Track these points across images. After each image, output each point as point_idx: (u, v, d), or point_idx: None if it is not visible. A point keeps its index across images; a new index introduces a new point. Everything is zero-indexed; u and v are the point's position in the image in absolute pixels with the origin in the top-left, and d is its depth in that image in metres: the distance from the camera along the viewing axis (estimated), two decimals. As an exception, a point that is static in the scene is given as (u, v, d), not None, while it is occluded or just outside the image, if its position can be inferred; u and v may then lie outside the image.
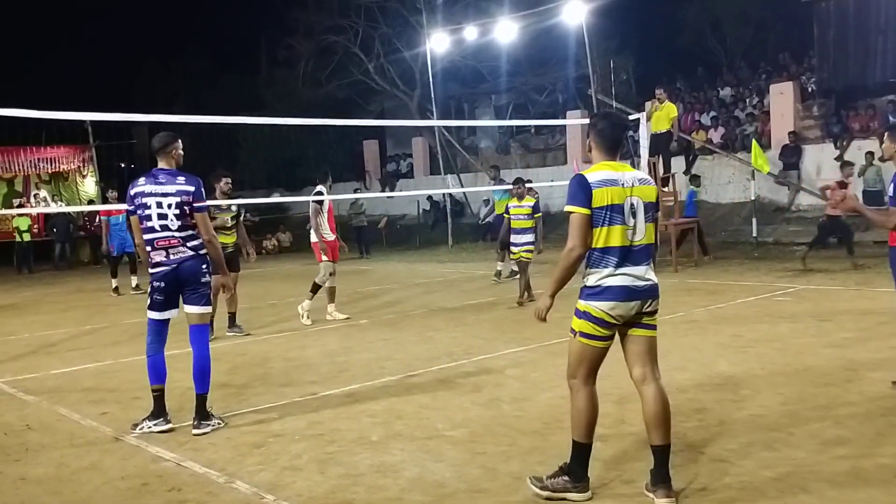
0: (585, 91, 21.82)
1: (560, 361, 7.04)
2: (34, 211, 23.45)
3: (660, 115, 14.55)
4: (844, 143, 17.07)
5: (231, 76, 34.75)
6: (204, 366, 5.47)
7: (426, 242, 23.26)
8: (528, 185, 11.81)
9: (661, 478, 3.85)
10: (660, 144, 14.62)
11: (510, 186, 12.49)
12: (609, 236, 3.83)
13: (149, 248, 5.45)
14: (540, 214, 11.50)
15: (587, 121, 15.08)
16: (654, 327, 4.02)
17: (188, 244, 5.43)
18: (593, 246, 3.87)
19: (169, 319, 5.64)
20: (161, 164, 5.58)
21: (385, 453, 4.83)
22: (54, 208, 23.55)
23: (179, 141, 5.69)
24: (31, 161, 24.30)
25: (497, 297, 11.74)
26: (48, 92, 26.40)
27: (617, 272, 3.85)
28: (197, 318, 5.54)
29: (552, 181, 21.59)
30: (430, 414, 5.59)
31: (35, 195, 23.98)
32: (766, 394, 5.69)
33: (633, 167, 4.23)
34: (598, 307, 3.88)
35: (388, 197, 26.93)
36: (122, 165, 29.85)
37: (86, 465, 4.89)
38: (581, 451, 3.99)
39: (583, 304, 3.94)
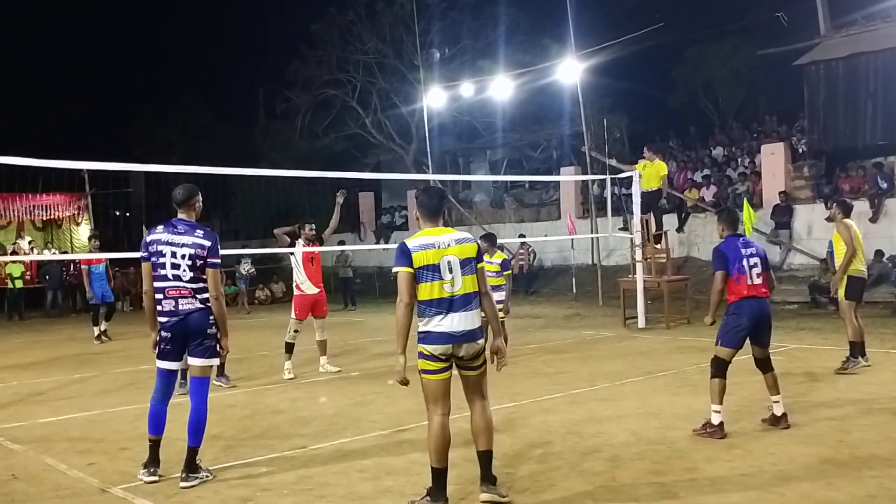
0: (579, 148, 22.07)
1: (552, 418, 7.06)
2: (28, 258, 23.41)
3: (650, 173, 14.71)
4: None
5: (228, 126, 35.11)
6: (200, 419, 5.43)
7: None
8: (522, 239, 11.73)
9: (486, 478, 4.74)
10: (651, 202, 14.75)
11: None
12: (430, 290, 4.61)
13: (159, 296, 5.46)
14: (510, 272, 10.94)
15: (582, 177, 15.31)
16: (477, 367, 4.78)
17: (198, 296, 5.45)
18: (419, 299, 4.63)
19: (177, 371, 5.65)
20: (181, 215, 5.61)
21: (374, 509, 4.78)
22: (47, 255, 23.52)
23: (200, 194, 5.73)
24: (25, 208, 24.35)
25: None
26: (45, 139, 26.60)
27: (438, 320, 4.61)
28: (199, 371, 5.53)
29: (546, 236, 21.76)
30: (421, 469, 5.53)
31: (30, 242, 23.96)
32: (757, 454, 5.67)
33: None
34: (426, 348, 4.65)
35: (382, 249, 26.99)
36: (118, 213, 29.93)
37: (71, 516, 4.83)
38: (436, 475, 4.64)
39: (419, 347, 4.68)
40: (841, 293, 9.09)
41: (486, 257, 10.99)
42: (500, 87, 21.82)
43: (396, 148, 28.34)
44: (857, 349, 8.89)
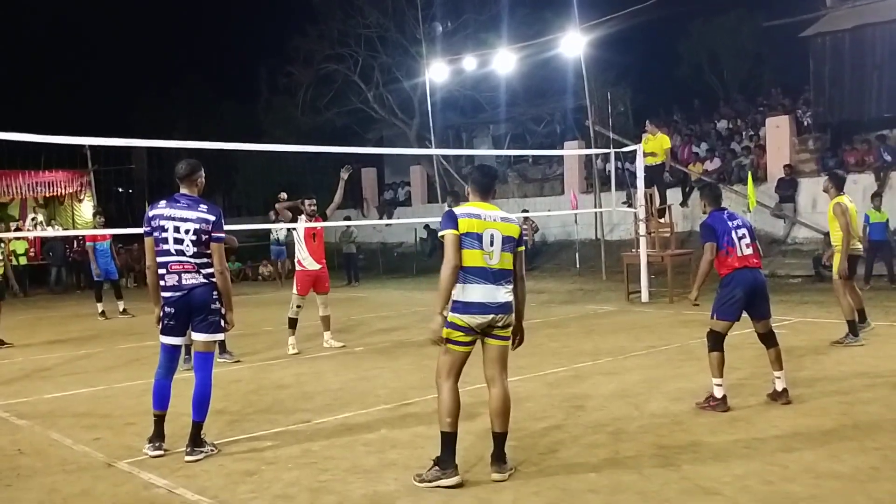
0: (583, 122, 21.97)
1: (556, 392, 7.08)
2: (31, 234, 23.43)
3: (653, 147, 14.63)
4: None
5: (230, 103, 34.98)
6: (204, 393, 5.45)
7: (423, 270, 23.26)
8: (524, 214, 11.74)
9: (497, 457, 4.78)
10: (654, 176, 14.69)
11: None
12: (472, 257, 4.69)
13: (162, 271, 5.44)
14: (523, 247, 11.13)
15: (585, 151, 15.24)
16: (506, 338, 4.86)
17: (202, 271, 5.43)
18: (462, 265, 4.68)
19: (181, 346, 5.67)
20: (183, 190, 5.59)
21: (379, 482, 4.80)
22: (51, 232, 23.55)
23: (203, 169, 5.70)
24: (28, 185, 24.31)
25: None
26: (48, 116, 26.54)
27: (476, 289, 4.68)
28: (203, 346, 5.53)
29: (549, 211, 21.71)
30: (425, 443, 5.56)
31: (33, 219, 23.97)
32: (760, 426, 5.68)
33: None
34: (462, 318, 4.69)
35: (385, 225, 26.98)
36: (121, 190, 29.92)
37: (77, 491, 4.86)
38: (447, 440, 4.68)
39: (451, 317, 4.71)
40: (835, 270, 9.06)
41: None
42: (503, 61, 21.65)
43: (399, 123, 28.22)
44: (855, 327, 8.86)
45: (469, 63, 22.41)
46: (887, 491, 4.31)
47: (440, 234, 4.79)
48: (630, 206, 16.67)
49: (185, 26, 36.63)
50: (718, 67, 27.29)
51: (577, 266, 19.99)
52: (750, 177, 16.31)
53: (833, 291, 9.43)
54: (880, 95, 17.69)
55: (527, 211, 21.83)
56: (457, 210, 4.81)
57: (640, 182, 14.34)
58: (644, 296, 14.00)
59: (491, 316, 4.69)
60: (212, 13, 35.99)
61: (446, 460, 4.66)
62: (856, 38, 17.87)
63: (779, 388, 6.36)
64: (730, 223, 6.40)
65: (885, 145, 16.96)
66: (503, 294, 4.73)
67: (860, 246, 9.22)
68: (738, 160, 19.93)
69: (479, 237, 4.69)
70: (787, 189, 17.95)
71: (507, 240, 4.77)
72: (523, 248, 4.94)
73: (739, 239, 6.32)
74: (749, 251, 6.34)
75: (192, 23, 36.52)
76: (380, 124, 29.53)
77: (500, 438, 4.81)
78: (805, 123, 19.72)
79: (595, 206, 19.94)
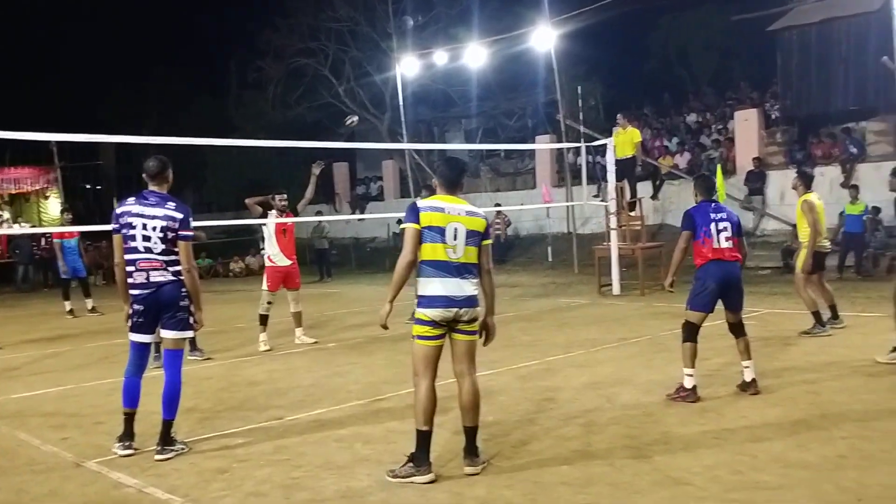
0: (554, 116, 22.03)
1: (528, 385, 7.10)
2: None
3: (624, 141, 14.73)
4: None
5: (201, 98, 34.61)
6: (174, 391, 5.41)
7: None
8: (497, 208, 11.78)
9: (470, 451, 4.81)
10: (625, 170, 14.79)
11: None
12: (433, 251, 4.69)
13: (130, 269, 5.40)
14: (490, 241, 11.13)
15: (556, 145, 15.28)
16: (472, 333, 4.86)
17: (170, 269, 5.40)
18: (421, 259, 4.71)
19: (150, 343, 5.62)
20: (152, 188, 5.53)
21: (351, 478, 4.79)
22: (17, 230, 23.20)
23: (170, 167, 5.64)
24: (-7, 182, 23.96)
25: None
26: (13, 112, 26.09)
27: (438, 283, 4.69)
28: (172, 343, 5.48)
29: (522, 204, 21.77)
30: (398, 438, 5.56)
31: (-2, 216, 23.62)
32: (730, 417, 5.74)
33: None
34: (426, 313, 4.71)
35: (358, 220, 26.90)
36: (88, 187, 29.53)
37: (45, 491, 4.80)
38: (422, 438, 4.68)
39: (417, 313, 4.75)
40: (799, 265, 9.23)
41: None
42: (474, 55, 21.63)
43: (370, 117, 28.09)
44: (820, 317, 9.01)
45: (440, 57, 22.36)
46: (853, 479, 4.38)
47: (401, 226, 4.73)
48: (601, 199, 16.77)
49: (155, 19, 36.17)
50: (688, 61, 27.48)
51: (550, 259, 20.07)
52: (719, 169, 16.47)
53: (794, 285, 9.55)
54: (846, 88, 17.93)
55: (499, 205, 21.87)
56: (420, 203, 4.81)
57: (611, 176, 14.42)
58: (615, 288, 14.10)
59: (455, 309, 4.69)
60: (181, 6, 35.61)
61: (420, 457, 4.66)
62: (822, 32, 18.10)
63: (747, 378, 6.43)
64: (713, 215, 6.43)
65: (850, 138, 17.21)
66: (468, 287, 4.74)
67: (827, 243, 9.36)
68: (707, 153, 20.12)
69: (442, 231, 4.68)
70: (756, 181, 18.14)
71: (471, 234, 4.76)
72: (490, 241, 4.91)
73: (719, 232, 6.36)
74: (727, 244, 6.37)
75: (161, 16, 36.09)
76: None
77: (471, 432, 4.83)
78: (773, 116, 19.94)
79: (567, 200, 20.03)
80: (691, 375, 6.30)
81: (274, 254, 9.87)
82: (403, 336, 10.42)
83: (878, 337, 8.31)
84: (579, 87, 19.65)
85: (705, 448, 5.06)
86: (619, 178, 14.58)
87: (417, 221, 4.70)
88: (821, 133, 18.28)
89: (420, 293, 4.72)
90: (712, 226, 6.37)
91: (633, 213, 15.15)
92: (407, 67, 22.52)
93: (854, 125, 17.63)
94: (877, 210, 15.28)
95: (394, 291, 4.75)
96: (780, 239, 16.94)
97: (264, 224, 10.07)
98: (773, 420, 5.60)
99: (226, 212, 29.38)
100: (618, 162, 14.47)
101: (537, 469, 4.81)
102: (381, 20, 25.85)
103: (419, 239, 4.70)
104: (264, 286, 9.90)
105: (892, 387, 6.43)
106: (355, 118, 10.15)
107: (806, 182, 9.26)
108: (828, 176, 16.88)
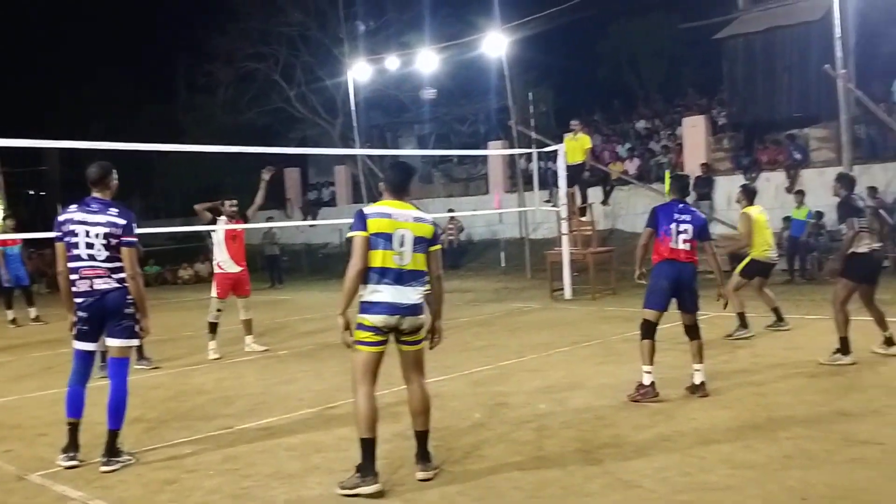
0: (506, 122, 22.15)
1: (481, 390, 7.11)
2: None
3: (574, 147, 14.89)
4: (753, 175, 17.74)
5: (149, 103, 34.07)
6: (120, 400, 5.30)
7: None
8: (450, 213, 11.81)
9: (421, 456, 4.79)
10: (575, 176, 14.93)
11: None
12: (380, 258, 4.60)
13: (74, 277, 5.31)
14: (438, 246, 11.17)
15: (508, 151, 15.37)
16: (417, 342, 4.79)
17: (114, 276, 5.31)
18: (369, 265, 4.61)
19: (95, 352, 5.50)
20: (95, 194, 5.44)
21: (302, 487, 4.74)
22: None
23: (115, 172, 5.55)
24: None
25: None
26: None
27: (383, 289, 4.60)
28: (117, 352, 5.39)
29: (474, 210, 21.83)
30: (350, 445, 5.49)
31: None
32: (680, 419, 5.81)
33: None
34: (368, 318, 4.61)
35: (310, 225, 26.71)
36: (32, 193, 28.85)
37: (-16, 507, 4.66)
38: (365, 447, 4.58)
39: (359, 318, 4.65)
40: (739, 268, 9.57)
41: None
42: (426, 61, 21.67)
43: (322, 122, 27.96)
44: (744, 319, 9.29)
45: (392, 63, 22.36)
46: (798, 479, 4.46)
47: (348, 234, 4.71)
48: (553, 205, 16.90)
49: (102, 23, 35.50)
50: (637, 68, 27.89)
51: (503, 264, 20.15)
52: (667, 175, 16.69)
53: (760, 297, 9.79)
54: (790, 96, 18.35)
55: (452, 210, 21.91)
56: (367, 209, 4.72)
57: (562, 181, 14.55)
58: (567, 293, 14.21)
59: (398, 317, 4.61)
60: (129, 9, 35.00)
61: (366, 467, 4.57)
62: (767, 41, 18.50)
63: (697, 381, 6.53)
64: (677, 215, 6.54)
65: (794, 144, 17.60)
66: (413, 295, 4.66)
67: (771, 254, 9.59)
68: (656, 159, 20.41)
69: (389, 237, 4.61)
70: (704, 187, 18.44)
71: (418, 240, 4.69)
72: (438, 247, 4.86)
73: (679, 233, 6.47)
74: (685, 246, 6.49)
75: (108, 19, 35.43)
76: (303, 124, 29.19)
77: (422, 437, 4.81)
78: (720, 123, 20.31)
79: (519, 206, 20.14)
80: (650, 372, 6.39)
81: (223, 260, 9.73)
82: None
83: (821, 339, 8.50)
84: (530, 94, 19.80)
85: (655, 450, 5.11)
86: (570, 184, 14.72)
87: (365, 228, 4.61)
88: (766, 139, 18.67)
89: (364, 299, 4.65)
90: (673, 226, 6.48)
91: (584, 219, 15.30)
92: (359, 73, 22.47)
93: (798, 131, 18.03)
94: (820, 215, 15.66)
95: (345, 302, 4.65)
96: (727, 243, 17.22)
97: (213, 230, 9.94)
98: (721, 422, 5.69)
99: (174, 218, 28.94)
100: (568, 168, 14.61)
101: (490, 474, 4.81)
102: (332, 25, 25.76)
103: (368, 247, 4.61)
104: (213, 293, 9.77)
105: (835, 387, 6.58)
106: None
107: (748, 197, 9.60)
108: (773, 181, 17.25)
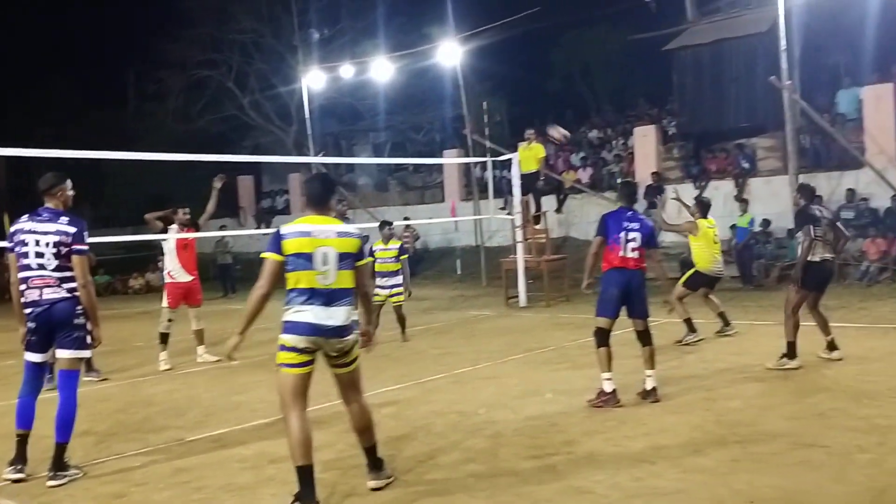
0: (461, 131, 22.24)
1: (436, 398, 7.11)
2: None
3: (528, 156, 15.02)
4: (702, 184, 18.06)
5: (98, 110, 33.46)
6: (68, 414, 5.23)
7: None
8: (406, 223, 11.83)
9: (373, 465, 4.74)
10: (529, 184, 15.06)
11: (357, 226, 12.39)
12: (299, 279, 4.38)
13: (23, 287, 5.25)
14: (406, 256, 11.16)
15: (464, 160, 15.44)
16: (349, 363, 4.57)
17: (64, 285, 5.26)
18: (288, 287, 4.43)
19: (46, 363, 5.44)
20: (47, 204, 5.41)
21: (254, 500, 4.70)
22: None
23: (69, 181, 5.50)
24: None
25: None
26: None
27: (305, 309, 4.38)
28: (67, 364, 5.31)
29: (430, 218, 21.86)
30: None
31: None
32: (631, 425, 5.89)
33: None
34: (289, 339, 4.41)
35: (263, 234, 26.44)
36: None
37: (-76, 524, 4.53)
38: (302, 475, 4.37)
39: (281, 338, 4.45)
40: (682, 279, 9.85)
41: (379, 244, 11.01)
42: (381, 70, 21.67)
43: (276, 130, 27.77)
44: (691, 324, 9.51)
45: (347, 71, 22.33)
46: (746, 482, 4.55)
47: (261, 255, 4.49)
48: (507, 213, 17.00)
49: (50, 28, 34.79)
50: (589, 79, 28.23)
51: (459, 272, 20.20)
52: (620, 184, 16.95)
53: (706, 304, 10.02)
54: (738, 106, 18.70)
55: (408, 218, 21.90)
56: (284, 229, 4.46)
57: (517, 190, 14.66)
58: (522, 300, 14.30)
59: (321, 338, 4.38)
60: (78, 15, 34.35)
61: (306, 495, 4.34)
62: (715, 52, 18.84)
63: (648, 386, 6.62)
64: (626, 223, 6.61)
65: (743, 153, 17.95)
66: (340, 315, 4.42)
67: (714, 268, 9.79)
68: (608, 168, 20.65)
69: (310, 257, 4.36)
70: (655, 195, 18.69)
71: (343, 256, 4.45)
72: (364, 261, 4.64)
73: (627, 241, 6.56)
74: (633, 254, 6.58)
75: (56, 25, 34.74)
76: (256, 132, 28.97)
77: (370, 451, 4.74)
78: (670, 133, 20.64)
79: (474, 214, 20.22)
80: (609, 379, 6.46)
81: (174, 269, 9.63)
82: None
83: (768, 344, 8.68)
84: (485, 103, 19.90)
85: (607, 456, 5.17)
86: (524, 193, 14.84)
87: (280, 251, 4.38)
88: (714, 149, 19.02)
89: (285, 318, 4.42)
90: (622, 234, 6.56)
91: (538, 227, 15.42)
92: (313, 80, 22.39)
93: (745, 141, 18.41)
94: (767, 223, 16.00)
95: (245, 323, 4.47)
96: (678, 250, 17.48)
97: (164, 239, 9.81)
98: (671, 427, 5.77)
99: (125, 227, 28.38)
100: (523, 176, 14.73)
101: (444, 482, 4.82)
102: (286, 33, 25.64)
103: (279, 270, 4.39)
104: (164, 303, 9.64)
105: (781, 392, 6.72)
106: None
107: (703, 210, 9.91)
108: (722, 190, 17.56)
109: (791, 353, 7.57)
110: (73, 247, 5.26)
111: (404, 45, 22.51)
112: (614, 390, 6.43)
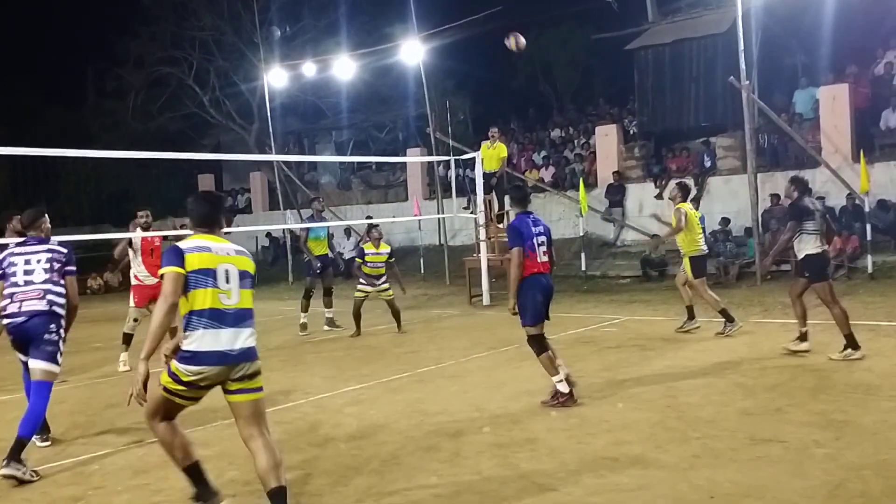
0: (425, 129, 22.23)
1: (399, 398, 7.10)
2: None
3: (491, 155, 15.07)
4: (663, 183, 18.26)
5: (55, 107, 32.84)
6: (36, 416, 5.39)
7: (265, 279, 22.73)
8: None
9: None
10: (492, 183, 15.11)
11: (331, 224, 12.68)
12: (205, 298, 4.03)
13: (7, 301, 5.56)
14: (393, 259, 11.70)
15: (427, 158, 15.46)
16: (256, 390, 4.15)
17: (48, 296, 5.56)
18: (191, 309, 4.03)
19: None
20: (31, 234, 5.85)
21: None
22: None
23: (46, 215, 5.95)
24: None
25: (338, 335, 11.64)
26: None
27: (210, 335, 4.00)
28: (40, 374, 5.50)
29: (394, 217, 21.80)
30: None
31: None
32: (593, 422, 5.93)
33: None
34: (187, 370, 3.99)
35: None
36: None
37: None
38: (192, 473, 4.21)
39: (174, 365, 4.02)
40: (690, 275, 9.85)
41: (371, 248, 11.31)
42: (343, 68, 21.57)
43: (237, 128, 27.49)
44: (728, 314, 9.57)
45: (309, 69, 22.18)
46: (706, 478, 4.60)
47: (159, 272, 4.16)
48: (471, 212, 17.04)
49: (6, 26, 34.05)
50: (552, 78, 28.36)
51: (422, 271, 20.18)
52: (581, 183, 17.09)
53: (680, 289, 10.13)
54: (697, 106, 18.94)
55: (371, 217, 21.82)
56: (183, 244, 4.12)
57: (480, 189, 14.69)
58: (486, 299, 14.34)
59: (226, 367, 4.02)
60: (36, 12, 33.70)
61: (202, 490, 4.20)
62: (675, 52, 19.06)
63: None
64: (534, 228, 6.69)
65: (708, 150, 18.15)
66: (245, 339, 4.09)
67: (702, 247, 10.00)
68: (570, 167, 20.79)
69: (213, 273, 4.06)
70: (616, 194, 18.88)
71: (244, 274, 4.19)
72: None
73: (539, 245, 6.64)
74: (545, 258, 6.69)
75: (13, 22, 34.01)
76: (217, 129, 28.66)
77: (279, 494, 4.00)
78: (631, 132, 20.83)
79: (438, 213, 20.22)
80: (562, 381, 6.48)
81: (140, 273, 9.65)
82: (271, 352, 10.23)
83: (729, 341, 8.81)
84: (448, 102, 19.95)
85: (569, 453, 5.20)
86: (487, 192, 14.88)
87: (182, 265, 4.02)
88: (675, 148, 19.23)
89: (185, 347, 4.01)
90: (535, 240, 6.64)
91: (501, 226, 15.45)
92: (275, 78, 22.22)
93: (712, 138, 18.62)
94: (726, 221, 16.22)
95: (151, 345, 4.03)
96: (639, 249, 17.68)
97: (132, 237, 9.75)
98: (632, 424, 5.82)
99: (83, 226, 27.92)
100: (485, 176, 14.78)
101: (407, 482, 4.81)
102: (247, 30, 25.38)
103: (183, 285, 4.02)
104: (131, 303, 9.54)
105: (739, 388, 6.80)
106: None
107: (684, 193, 9.99)
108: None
109: (851, 343, 7.60)
110: (67, 267, 5.72)
111: (367, 44, 22.45)
112: (570, 391, 6.47)
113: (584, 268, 16.50)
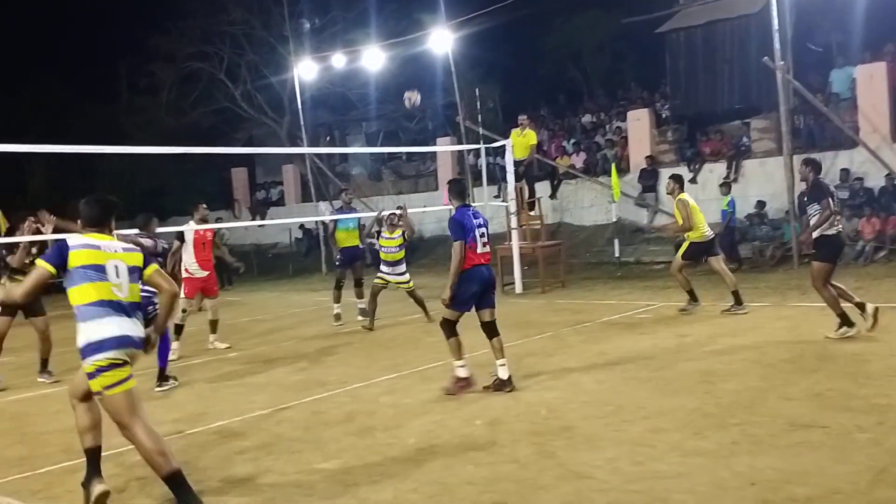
0: (454, 118, 22.17)
1: (433, 386, 7.11)
2: None
3: (521, 142, 15.00)
4: (697, 167, 18.04)
5: (90, 104, 33.27)
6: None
7: (299, 271, 22.94)
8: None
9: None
10: (520, 171, 15.05)
11: (360, 215, 12.69)
12: (98, 291, 4.27)
13: None
14: (405, 244, 11.61)
15: (457, 147, 15.44)
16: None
17: None
18: (85, 302, 4.26)
19: None
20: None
21: (255, 491, 4.69)
22: None
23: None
24: None
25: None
26: None
27: (112, 322, 4.26)
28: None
29: (425, 207, 21.81)
30: (302, 447, 5.48)
31: None
32: (629, 409, 5.88)
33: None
34: (108, 356, 4.22)
35: (259, 226, 26.43)
36: (-31, 198, 27.95)
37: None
38: (91, 454, 4.58)
39: (97, 361, 4.22)
40: (679, 252, 10.36)
41: (386, 233, 11.33)
42: (373, 58, 21.57)
43: (269, 121, 27.65)
44: (738, 297, 9.92)
45: (338, 60, 22.21)
46: (746, 464, 4.55)
47: (36, 261, 4.37)
48: (501, 200, 16.98)
49: (38, 23, 34.55)
50: (581, 64, 28.09)
51: (454, 261, 20.16)
52: (613, 168, 16.92)
53: (669, 271, 10.68)
54: (731, 88, 18.65)
55: (402, 207, 21.82)
56: (71, 241, 4.39)
57: (511, 176, 14.63)
58: (518, 287, 14.29)
59: (132, 349, 4.32)
60: (68, 9, 34.12)
61: (92, 478, 4.51)
62: (707, 34, 18.79)
63: (503, 376, 6.76)
64: (475, 220, 6.83)
65: (748, 132, 17.87)
66: (139, 327, 4.40)
67: (707, 233, 10.20)
68: (602, 153, 20.61)
69: (102, 268, 4.32)
70: (649, 179, 18.68)
71: (132, 269, 4.45)
72: (154, 267, 4.60)
73: (480, 237, 6.76)
74: (486, 249, 6.83)
75: (45, 20, 34.50)
76: (249, 123, 28.84)
77: (175, 477, 4.33)
78: (663, 116, 20.58)
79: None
80: (464, 366, 6.75)
81: (191, 265, 9.91)
82: (306, 342, 10.29)
83: (765, 325, 8.69)
84: (477, 90, 19.84)
85: (606, 441, 5.17)
86: (517, 179, 14.81)
87: (62, 263, 4.27)
88: (709, 131, 18.98)
89: (89, 339, 4.23)
90: (476, 231, 6.75)
91: (532, 213, 15.39)
92: (305, 71, 22.30)
93: (739, 123, 18.36)
94: (762, 204, 15.99)
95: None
96: (669, 227, 17.45)
97: (185, 230, 10.02)
98: (669, 410, 5.77)
99: (118, 221, 28.34)
100: (516, 163, 14.71)
101: (442, 470, 4.81)
102: (276, 23, 25.48)
103: (44, 284, 4.30)
104: (181, 294, 9.70)
105: (777, 373, 6.71)
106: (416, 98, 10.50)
107: (680, 184, 10.34)
108: (716, 172, 17.52)
109: (845, 321, 7.76)
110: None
111: (395, 34, 22.41)
112: (469, 376, 6.70)
113: (617, 254, 16.34)
